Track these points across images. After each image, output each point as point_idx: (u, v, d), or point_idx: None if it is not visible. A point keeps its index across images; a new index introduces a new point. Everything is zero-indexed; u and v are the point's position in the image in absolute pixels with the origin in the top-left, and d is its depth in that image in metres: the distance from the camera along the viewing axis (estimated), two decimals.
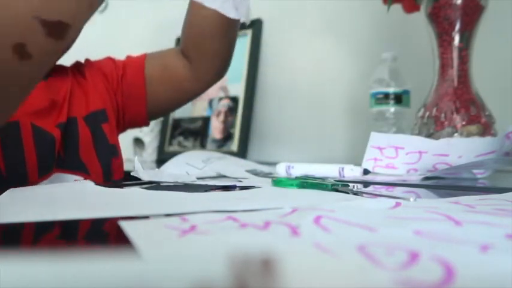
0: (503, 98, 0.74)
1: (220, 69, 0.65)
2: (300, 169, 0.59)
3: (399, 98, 0.76)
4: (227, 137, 1.14)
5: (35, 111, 0.50)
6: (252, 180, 0.50)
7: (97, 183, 0.40)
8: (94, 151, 0.56)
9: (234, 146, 1.11)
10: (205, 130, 1.19)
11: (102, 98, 0.61)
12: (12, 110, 0.31)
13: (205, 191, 0.37)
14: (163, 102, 0.65)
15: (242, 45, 1.14)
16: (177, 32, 1.36)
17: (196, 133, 1.21)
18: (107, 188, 0.37)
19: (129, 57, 0.66)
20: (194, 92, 0.65)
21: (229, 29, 0.60)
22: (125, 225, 0.20)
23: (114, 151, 0.59)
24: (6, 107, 0.30)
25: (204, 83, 0.65)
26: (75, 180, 0.51)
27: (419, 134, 0.64)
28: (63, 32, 0.28)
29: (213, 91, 1.19)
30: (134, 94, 0.63)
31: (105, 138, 0.58)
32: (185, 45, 0.64)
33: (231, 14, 0.34)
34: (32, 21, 0.27)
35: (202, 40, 0.61)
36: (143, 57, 0.65)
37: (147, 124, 0.68)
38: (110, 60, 0.65)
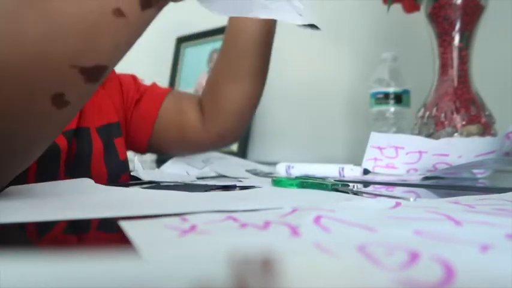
0: (503, 98, 0.74)
1: (232, 126, 0.61)
2: (300, 169, 0.59)
3: (399, 98, 0.76)
4: None
5: None
6: (252, 180, 0.50)
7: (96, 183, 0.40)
8: (104, 166, 0.55)
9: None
10: None
11: (117, 111, 0.60)
12: (42, 150, 0.30)
13: (205, 191, 0.37)
14: (166, 142, 0.63)
15: None
16: (177, 32, 1.36)
17: None
18: (107, 188, 0.37)
19: (154, 86, 0.65)
20: (200, 143, 0.62)
21: (247, 85, 0.59)
22: (124, 225, 0.20)
23: (123, 167, 0.58)
24: (37, 149, 0.29)
25: (212, 138, 0.62)
26: None
27: (419, 134, 0.64)
28: (101, 75, 0.27)
29: None
30: (142, 124, 0.62)
31: (116, 153, 0.57)
32: (203, 93, 0.63)
33: (298, 21, 0.30)
34: (70, 70, 0.25)
35: (217, 87, 0.60)
36: (165, 92, 0.63)
37: (144, 153, 0.66)
38: (132, 78, 0.64)
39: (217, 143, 0.62)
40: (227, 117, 0.60)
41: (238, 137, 0.64)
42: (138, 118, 0.62)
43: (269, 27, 0.58)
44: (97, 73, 0.27)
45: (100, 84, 0.28)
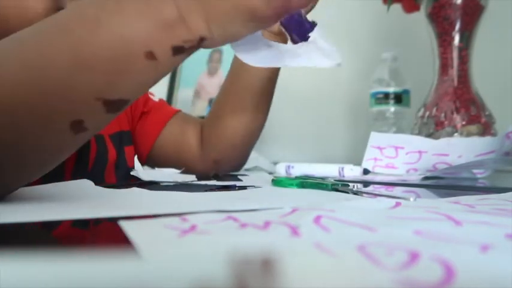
0: (503, 98, 0.74)
1: (229, 156, 0.61)
2: (300, 169, 0.59)
3: (399, 98, 0.76)
4: None
5: None
6: (251, 179, 0.50)
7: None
8: (114, 173, 0.56)
9: None
10: None
11: (129, 119, 0.61)
12: (54, 166, 0.30)
13: (205, 191, 0.37)
14: (163, 161, 0.63)
15: None
16: None
17: None
18: (107, 188, 0.37)
19: (162, 103, 0.65)
20: (196, 168, 0.61)
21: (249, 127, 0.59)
22: (124, 225, 0.20)
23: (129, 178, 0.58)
24: (49, 165, 0.29)
25: (208, 165, 0.61)
26: None
27: (419, 133, 0.64)
28: (123, 107, 0.27)
29: (214, 90, 1.19)
30: (143, 139, 0.62)
31: (125, 162, 0.58)
32: (205, 120, 0.63)
33: (324, 64, 0.30)
34: (94, 102, 0.26)
35: (218, 118, 0.60)
36: (172, 112, 0.64)
37: (141, 165, 0.67)
38: None
39: (213, 170, 0.62)
40: (225, 148, 0.60)
41: (237, 167, 0.64)
42: (141, 132, 0.62)
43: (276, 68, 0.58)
44: (119, 105, 0.27)
45: (120, 113, 0.29)
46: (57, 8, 0.42)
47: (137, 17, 0.25)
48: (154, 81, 0.28)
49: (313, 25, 0.31)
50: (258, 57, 0.30)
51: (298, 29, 0.32)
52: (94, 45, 0.25)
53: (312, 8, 0.44)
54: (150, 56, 0.25)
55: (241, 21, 0.25)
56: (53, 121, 0.26)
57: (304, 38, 0.31)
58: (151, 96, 0.65)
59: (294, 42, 0.32)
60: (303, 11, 0.32)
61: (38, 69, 0.25)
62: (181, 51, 0.26)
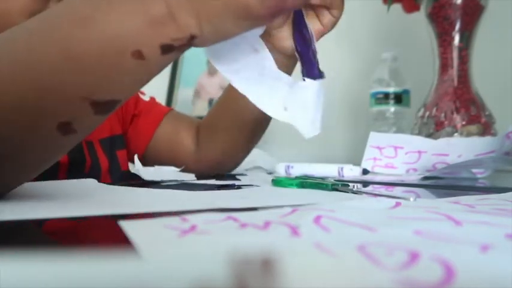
0: (503, 98, 0.74)
1: (224, 161, 0.60)
2: (300, 169, 0.59)
3: (399, 98, 0.76)
4: None
5: None
6: (251, 178, 0.50)
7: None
8: (109, 180, 0.55)
9: None
10: None
11: (120, 122, 0.60)
12: (46, 167, 0.30)
13: (205, 189, 0.37)
14: (157, 160, 0.62)
15: None
16: None
17: None
18: (107, 187, 0.37)
19: (153, 102, 0.64)
20: (191, 167, 0.60)
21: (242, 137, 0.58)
22: (124, 224, 0.20)
23: (127, 179, 0.58)
24: (40, 167, 0.29)
25: (202, 166, 0.60)
26: None
27: (419, 133, 0.64)
28: (112, 108, 0.27)
29: (214, 90, 1.19)
30: (137, 141, 0.62)
31: (119, 166, 0.57)
32: (202, 121, 0.62)
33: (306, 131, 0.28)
34: (82, 103, 0.25)
35: (216, 125, 0.59)
36: (164, 112, 0.63)
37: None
38: None
39: (207, 170, 0.61)
40: (221, 152, 0.59)
41: (232, 169, 0.63)
42: (134, 134, 0.62)
43: None
44: (108, 106, 0.26)
45: (109, 115, 0.28)
46: (39, 9, 0.41)
47: (125, 14, 0.24)
48: (144, 82, 0.27)
49: (320, 74, 0.30)
50: (231, 63, 0.28)
51: (307, 66, 0.30)
52: (82, 42, 0.24)
53: (331, 29, 0.42)
54: (138, 55, 0.24)
55: (232, 19, 0.24)
56: (40, 123, 0.26)
57: (306, 76, 0.29)
58: (141, 96, 0.64)
59: (302, 73, 0.31)
60: (317, 53, 0.31)
61: (27, 65, 0.25)
62: (171, 49, 0.25)
